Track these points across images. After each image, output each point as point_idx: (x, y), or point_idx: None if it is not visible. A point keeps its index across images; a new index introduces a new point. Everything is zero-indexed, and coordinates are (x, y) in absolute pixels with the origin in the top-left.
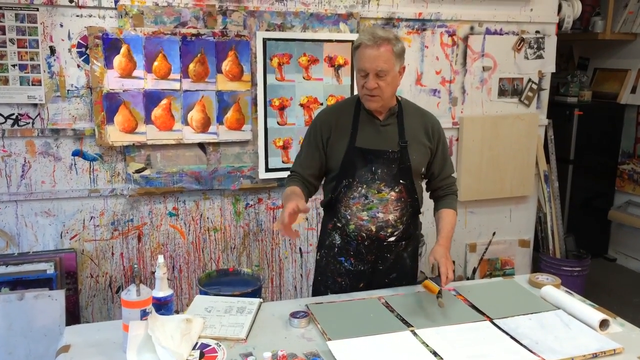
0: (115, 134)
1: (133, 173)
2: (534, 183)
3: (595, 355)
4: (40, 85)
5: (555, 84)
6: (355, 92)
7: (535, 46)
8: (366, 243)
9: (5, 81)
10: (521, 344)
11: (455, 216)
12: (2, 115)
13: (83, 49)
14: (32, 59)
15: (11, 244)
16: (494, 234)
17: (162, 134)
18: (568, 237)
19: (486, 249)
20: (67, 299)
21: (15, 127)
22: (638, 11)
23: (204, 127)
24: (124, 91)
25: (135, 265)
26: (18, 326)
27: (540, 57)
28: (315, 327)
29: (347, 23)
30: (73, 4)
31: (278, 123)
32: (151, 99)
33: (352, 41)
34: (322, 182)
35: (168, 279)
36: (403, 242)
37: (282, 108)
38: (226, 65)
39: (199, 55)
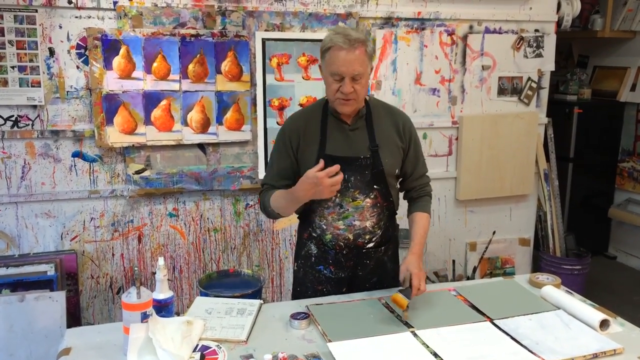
0: (114, 135)
1: (133, 174)
2: (534, 181)
3: (595, 355)
4: (40, 86)
5: (555, 82)
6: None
7: (535, 45)
8: (345, 252)
9: (5, 83)
10: (521, 345)
11: (429, 220)
12: (2, 117)
13: (82, 50)
14: (31, 61)
15: (12, 246)
16: (494, 232)
17: (162, 134)
18: (568, 235)
19: (486, 247)
20: (68, 300)
21: (15, 128)
22: (637, 9)
23: (204, 127)
24: (123, 92)
25: (136, 268)
26: (19, 328)
27: (539, 55)
28: (315, 329)
29: (346, 23)
30: (72, 5)
31: (277, 123)
32: (150, 99)
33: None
34: None
35: (168, 280)
36: (382, 248)
37: (281, 108)
38: (225, 65)
39: (198, 55)
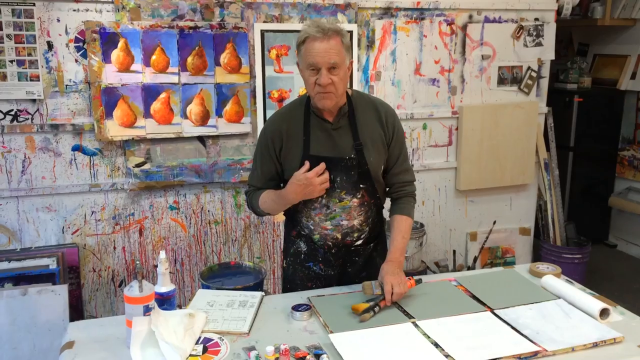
0: (114, 129)
1: (133, 167)
2: (534, 171)
3: (595, 344)
4: (39, 80)
5: (555, 70)
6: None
7: (535, 34)
8: (333, 250)
9: (4, 77)
10: (522, 334)
11: (410, 223)
12: (1, 112)
13: (80, 44)
14: (29, 55)
15: (13, 240)
16: (494, 222)
17: (162, 127)
18: (568, 224)
19: (487, 237)
20: (70, 293)
21: (15, 123)
22: None
23: (203, 120)
24: (122, 85)
25: (138, 262)
26: (22, 321)
27: (539, 44)
28: (317, 320)
29: (345, 13)
30: None
31: None
32: (150, 92)
33: (349, 32)
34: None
35: (170, 273)
36: (371, 244)
37: (281, 100)
38: (224, 57)
39: (196, 48)
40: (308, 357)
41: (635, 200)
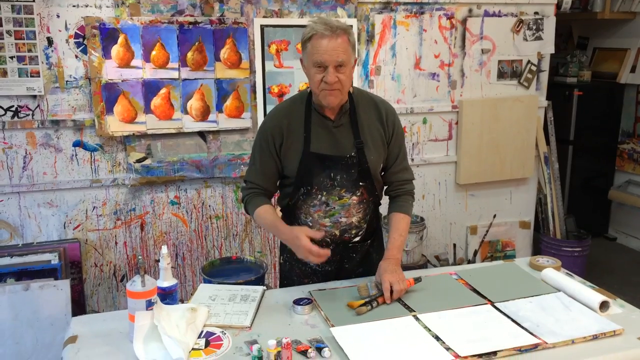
0: (115, 124)
1: (134, 162)
2: (534, 165)
3: (595, 336)
4: (39, 76)
5: (555, 64)
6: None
7: (534, 27)
8: (331, 247)
9: (4, 73)
10: (522, 327)
11: (408, 221)
12: (2, 108)
13: (80, 40)
14: (29, 51)
15: (15, 235)
16: (494, 216)
17: (162, 123)
18: (568, 217)
19: (487, 231)
20: (72, 288)
21: (15, 119)
22: None
23: (204, 115)
24: (122, 81)
25: (140, 257)
26: (24, 316)
27: (539, 38)
28: (318, 314)
29: (345, 8)
30: None
31: None
32: (150, 88)
33: (350, 26)
34: (278, 183)
35: (172, 267)
36: (369, 241)
37: (281, 95)
38: (224, 53)
39: (196, 43)
40: (310, 350)
41: (635, 193)
